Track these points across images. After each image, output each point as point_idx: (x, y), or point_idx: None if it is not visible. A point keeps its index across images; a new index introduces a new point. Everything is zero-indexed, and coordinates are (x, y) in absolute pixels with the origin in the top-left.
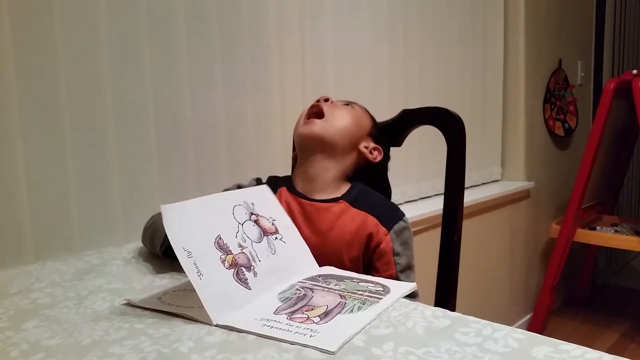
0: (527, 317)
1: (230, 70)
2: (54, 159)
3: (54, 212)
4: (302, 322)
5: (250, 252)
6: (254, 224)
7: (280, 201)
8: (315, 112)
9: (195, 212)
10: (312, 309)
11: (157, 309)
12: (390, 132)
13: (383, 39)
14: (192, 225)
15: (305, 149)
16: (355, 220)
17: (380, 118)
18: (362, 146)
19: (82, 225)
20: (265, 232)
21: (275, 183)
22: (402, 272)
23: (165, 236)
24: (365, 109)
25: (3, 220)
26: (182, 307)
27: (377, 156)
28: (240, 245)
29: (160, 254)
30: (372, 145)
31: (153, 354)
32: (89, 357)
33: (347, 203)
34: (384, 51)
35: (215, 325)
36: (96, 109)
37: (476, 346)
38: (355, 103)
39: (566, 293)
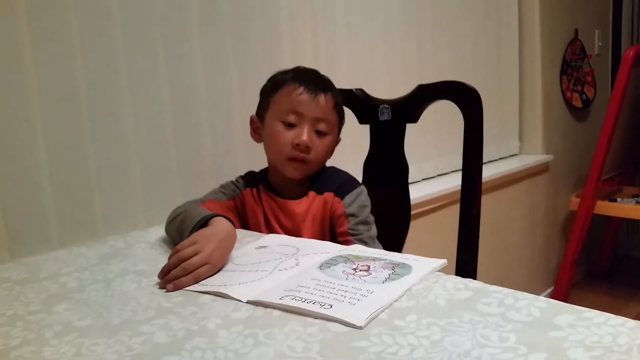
0: (549, 290)
1: (243, 54)
2: (74, 146)
3: (77, 198)
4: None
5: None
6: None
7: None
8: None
9: None
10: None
11: (193, 290)
12: (406, 108)
13: (396, 15)
14: None
15: None
16: (320, 204)
17: (394, 95)
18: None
19: (104, 210)
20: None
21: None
22: (359, 224)
23: (195, 225)
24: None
25: (28, 208)
26: (215, 285)
27: None
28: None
29: None
30: None
31: (182, 331)
32: (119, 337)
33: (314, 192)
34: (397, 27)
35: (247, 302)
36: (113, 95)
37: (499, 316)
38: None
39: (587, 266)
